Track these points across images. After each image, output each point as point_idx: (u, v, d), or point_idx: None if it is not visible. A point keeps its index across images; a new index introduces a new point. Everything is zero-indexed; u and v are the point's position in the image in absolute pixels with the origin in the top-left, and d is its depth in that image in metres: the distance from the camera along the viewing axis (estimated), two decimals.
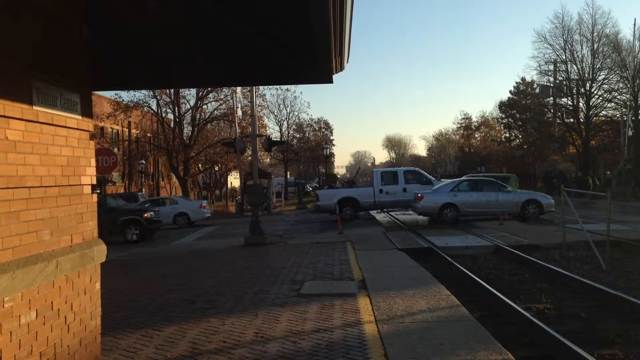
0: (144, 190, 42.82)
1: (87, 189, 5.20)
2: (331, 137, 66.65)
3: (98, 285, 5.35)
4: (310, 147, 58.98)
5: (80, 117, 5.07)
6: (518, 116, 60.61)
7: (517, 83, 62.47)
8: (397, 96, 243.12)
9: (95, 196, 5.36)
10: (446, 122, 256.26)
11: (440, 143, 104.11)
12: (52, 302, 4.46)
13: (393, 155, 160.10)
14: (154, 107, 39.63)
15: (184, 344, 6.17)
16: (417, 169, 26.89)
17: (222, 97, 39.73)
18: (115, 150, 39.15)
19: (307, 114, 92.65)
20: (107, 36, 5.80)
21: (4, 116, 3.93)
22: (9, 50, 4.03)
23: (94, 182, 5.34)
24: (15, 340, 3.94)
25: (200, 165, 46.61)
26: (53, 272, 4.41)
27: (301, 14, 4.89)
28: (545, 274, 10.58)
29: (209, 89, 37.04)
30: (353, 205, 24.11)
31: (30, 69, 4.30)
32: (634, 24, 43.05)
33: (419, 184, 23.89)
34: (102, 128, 38.93)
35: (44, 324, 4.33)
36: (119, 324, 7.20)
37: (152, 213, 21.20)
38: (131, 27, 5.68)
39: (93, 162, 5.36)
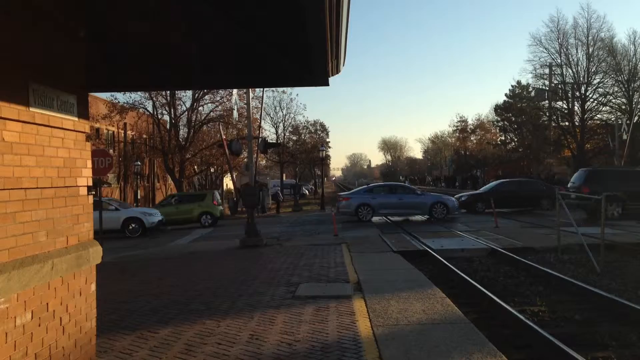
0: (139, 191, 42.78)
1: (83, 191, 5.20)
2: (327, 140, 66.64)
3: (94, 287, 5.35)
4: (306, 149, 58.95)
5: (76, 119, 5.08)
6: (514, 119, 60.86)
7: (512, 86, 62.82)
8: (393, 99, 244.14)
9: (91, 197, 5.37)
10: (442, 124, 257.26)
11: (436, 146, 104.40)
12: (47, 304, 4.46)
13: (389, 157, 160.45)
14: (150, 108, 39.53)
15: (179, 346, 6.17)
16: None
17: (218, 99, 39.76)
18: (111, 151, 39.06)
19: (303, 116, 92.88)
20: (105, 39, 5.81)
21: (0, 117, 3.94)
22: (6, 52, 4.04)
23: (90, 183, 5.34)
24: (10, 341, 3.94)
25: (196, 166, 46.57)
26: (49, 273, 4.41)
27: (297, 17, 4.91)
28: (540, 277, 10.62)
29: (205, 90, 37.02)
30: None
31: (27, 70, 4.31)
32: None
33: None
34: (97, 129, 38.84)
35: (39, 325, 4.33)
36: (114, 325, 7.20)
37: None
38: (129, 30, 5.69)
39: (89, 164, 5.36)
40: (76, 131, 5.09)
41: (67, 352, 4.76)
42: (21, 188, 4.17)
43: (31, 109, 4.32)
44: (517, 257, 12.43)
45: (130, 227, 23.87)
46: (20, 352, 4.06)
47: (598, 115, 48.69)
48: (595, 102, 47.80)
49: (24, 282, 4.08)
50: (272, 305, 8.03)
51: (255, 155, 20.89)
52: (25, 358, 4.12)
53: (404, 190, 25.89)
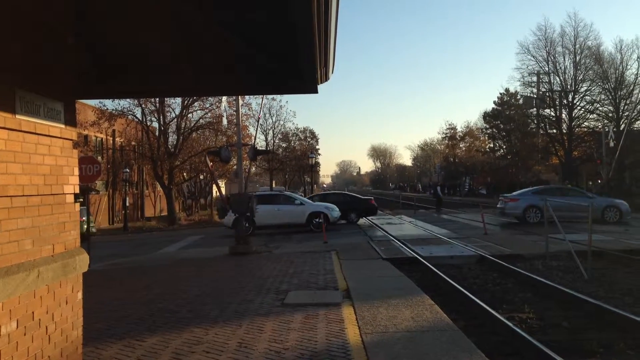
0: (127, 199, 42.46)
1: (70, 198, 5.16)
2: (317, 147, 66.71)
3: (80, 295, 5.30)
4: (296, 156, 58.94)
5: (63, 126, 5.04)
6: (502, 127, 61.26)
7: (501, 94, 63.20)
8: (382, 106, 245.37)
9: (77, 205, 5.32)
10: (431, 132, 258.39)
11: (426, 153, 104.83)
12: (33, 312, 4.41)
13: (379, 164, 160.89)
14: (139, 115, 39.40)
15: (167, 355, 6.12)
16: None
17: (207, 105, 39.67)
18: (99, 158, 38.84)
19: (293, 123, 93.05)
20: (93, 45, 5.79)
21: None
22: None
23: (77, 191, 5.30)
24: None
25: (185, 174, 46.38)
26: (34, 281, 4.37)
27: (286, 25, 4.92)
28: (528, 284, 10.66)
29: (194, 97, 36.93)
30: None
31: (13, 77, 4.28)
32: None
33: None
34: (85, 136, 38.58)
35: (24, 334, 4.28)
36: (101, 334, 7.13)
37: None
38: (117, 37, 5.67)
39: (76, 171, 5.32)
40: (63, 138, 5.05)
41: None
42: (7, 196, 4.13)
43: (17, 116, 4.29)
44: (506, 264, 12.48)
45: (315, 222, 23.84)
46: None
47: (585, 123, 49.16)
48: (583, 109, 48.26)
49: (10, 290, 4.03)
50: (261, 313, 8.00)
51: (248, 163, 20.82)
52: None
53: (575, 193, 25.20)
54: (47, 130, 4.74)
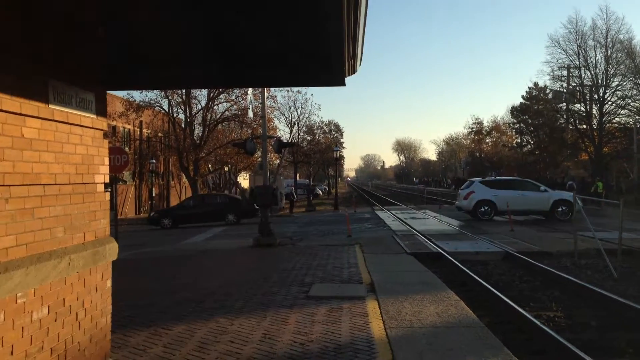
0: (154, 189, 42.96)
1: (100, 188, 5.23)
2: (341, 140, 66.65)
3: (109, 283, 5.38)
4: (321, 149, 58.96)
5: (94, 116, 5.11)
6: (530, 122, 60.36)
7: (529, 88, 62.28)
8: (408, 100, 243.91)
9: (107, 194, 5.40)
10: (457, 126, 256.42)
11: (451, 147, 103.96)
12: (64, 299, 4.49)
13: (403, 159, 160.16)
14: (166, 107, 39.81)
15: (193, 343, 6.19)
16: None
17: (233, 98, 39.88)
18: (127, 149, 39.35)
19: (318, 117, 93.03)
20: (124, 37, 5.84)
21: (21, 114, 3.97)
22: (28, 51, 4.07)
23: (107, 180, 5.37)
24: (26, 335, 3.97)
25: (210, 165, 46.75)
26: (65, 268, 4.44)
27: (316, 17, 4.90)
28: (556, 282, 10.51)
29: (221, 89, 37.15)
30: None
31: (47, 68, 4.34)
32: None
33: None
34: (114, 127, 39.14)
35: (55, 320, 4.36)
36: (128, 321, 7.24)
37: None
38: (147, 28, 5.71)
39: (106, 161, 5.39)
40: (94, 128, 5.12)
41: (83, 347, 4.79)
42: (40, 184, 4.20)
43: (50, 106, 4.35)
44: (533, 261, 12.30)
45: (560, 210, 23.28)
46: (36, 346, 4.09)
47: (616, 119, 48.08)
48: (614, 105, 47.18)
49: (41, 277, 4.11)
50: (285, 305, 8.03)
51: (276, 158, 20.86)
52: (41, 352, 4.15)
53: None
54: (79, 120, 4.81)
